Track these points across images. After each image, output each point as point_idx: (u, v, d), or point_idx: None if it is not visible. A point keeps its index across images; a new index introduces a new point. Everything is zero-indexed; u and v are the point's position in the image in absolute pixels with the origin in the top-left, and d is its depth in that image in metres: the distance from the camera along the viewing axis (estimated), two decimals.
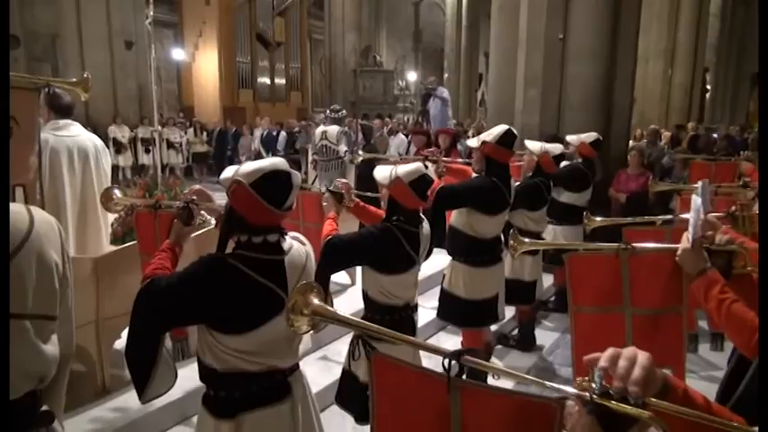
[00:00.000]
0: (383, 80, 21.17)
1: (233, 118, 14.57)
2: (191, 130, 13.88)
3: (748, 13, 24.37)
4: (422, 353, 2.61)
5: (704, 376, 3.86)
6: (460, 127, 12.18)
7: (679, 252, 1.79)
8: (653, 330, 1.96)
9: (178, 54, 15.58)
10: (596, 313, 2.03)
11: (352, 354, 1.18)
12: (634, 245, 1.97)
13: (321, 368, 3.73)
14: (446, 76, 22.28)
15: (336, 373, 3.02)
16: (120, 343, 3.39)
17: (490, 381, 1.52)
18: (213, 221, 2.47)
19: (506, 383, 2.10)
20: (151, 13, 5.10)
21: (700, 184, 2.44)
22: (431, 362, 1.56)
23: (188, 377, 2.44)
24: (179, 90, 17.22)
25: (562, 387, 0.90)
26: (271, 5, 16.85)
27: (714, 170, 5.80)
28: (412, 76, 24.25)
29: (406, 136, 9.86)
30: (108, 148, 4.01)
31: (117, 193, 2.99)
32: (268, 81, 16.96)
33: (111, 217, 3.80)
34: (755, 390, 1.55)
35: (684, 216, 2.48)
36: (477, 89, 22.67)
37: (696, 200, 1.81)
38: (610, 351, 0.88)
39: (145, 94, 12.73)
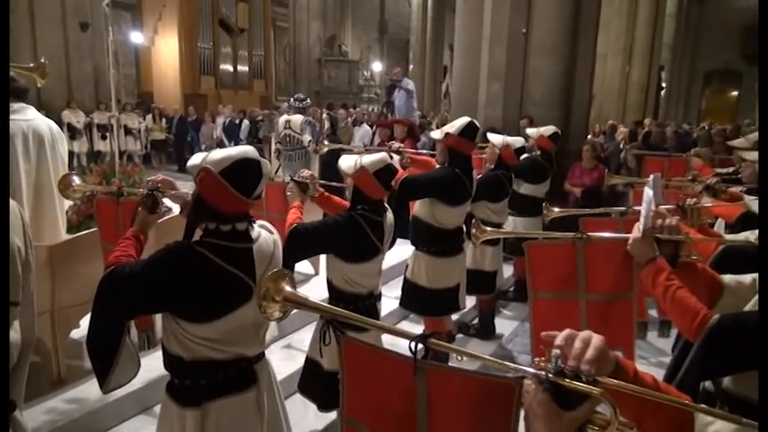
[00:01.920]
0: (348, 70, 21.07)
1: (194, 105, 14.25)
2: (149, 117, 13.52)
3: (702, 13, 25.28)
4: (384, 340, 2.66)
5: (654, 362, 4.05)
6: (425, 119, 12.27)
7: (630, 241, 1.89)
8: (605, 315, 2.06)
9: (137, 37, 15.13)
10: (553, 299, 2.12)
11: (322, 338, 1.20)
12: (589, 234, 2.07)
13: (284, 357, 3.74)
14: (411, 67, 22.36)
15: (300, 361, 3.04)
16: (78, 333, 3.33)
17: (453, 363, 1.58)
18: (177, 209, 2.44)
19: (469, 365, 2.18)
20: None
21: (651, 177, 2.56)
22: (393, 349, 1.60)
23: (149, 367, 2.43)
24: (137, 75, 16.72)
25: (520, 367, 0.96)
26: None
27: (667, 165, 6.04)
28: (377, 66, 24.22)
29: (371, 127, 9.88)
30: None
31: (76, 179, 2.91)
32: (231, 68, 16.64)
33: (68, 204, 3.71)
34: (695, 372, 1.66)
35: (637, 208, 2.61)
36: (443, 81, 22.82)
37: (648, 192, 1.91)
38: (566, 332, 0.94)
39: (101, 78, 12.33)
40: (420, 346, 1.03)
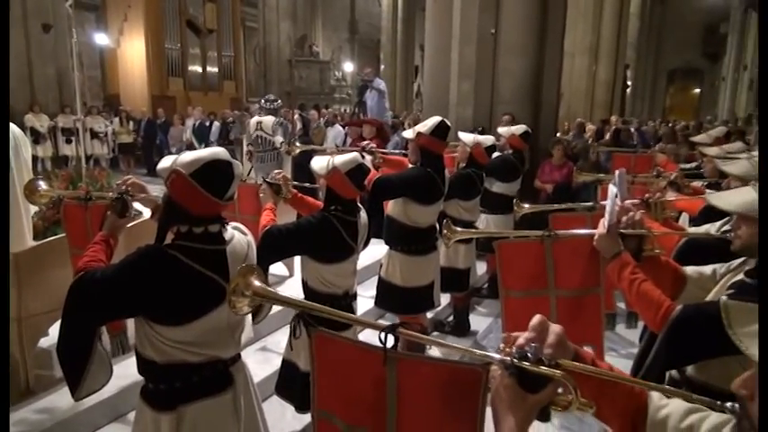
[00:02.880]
0: (319, 70, 21.02)
1: (163, 107, 14.02)
2: (116, 120, 13.25)
3: (664, 13, 25.97)
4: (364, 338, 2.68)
5: (623, 354, 4.16)
6: (397, 119, 12.31)
7: (596, 237, 1.95)
8: (575, 310, 2.12)
9: (101, 39, 14.79)
10: (524, 297, 2.17)
11: (293, 332, 1.21)
12: (557, 231, 2.12)
13: (261, 359, 3.73)
14: (382, 67, 22.41)
15: (276, 363, 3.04)
16: (46, 341, 3.26)
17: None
18: (148, 212, 2.41)
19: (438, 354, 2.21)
20: None
21: (617, 173, 2.63)
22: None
23: (122, 374, 2.40)
24: (103, 77, 16.35)
25: (487, 353, 1.00)
26: None
27: (634, 161, 6.20)
28: (349, 66, 24.21)
29: (344, 127, 9.87)
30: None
31: (42, 184, 2.84)
32: (200, 69, 16.40)
33: (33, 210, 3.62)
34: (660, 362, 1.73)
35: (604, 203, 2.68)
36: (414, 81, 22.94)
37: (612, 188, 1.97)
38: (536, 318, 0.99)
39: (65, 80, 12.03)
40: (390, 336, 1.06)
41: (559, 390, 0.94)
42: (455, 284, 4.53)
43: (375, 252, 4.11)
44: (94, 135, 12.38)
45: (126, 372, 2.27)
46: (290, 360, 2.75)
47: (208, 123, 12.47)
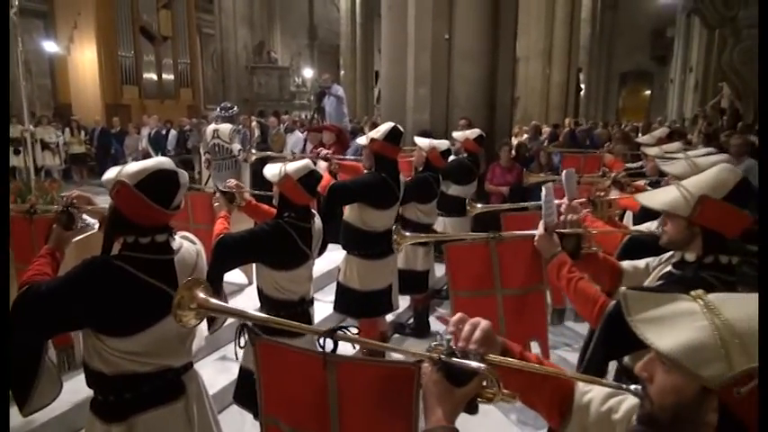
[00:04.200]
0: (279, 77, 20.86)
1: (117, 116, 13.69)
2: (68, 130, 12.88)
3: (615, 18, 26.87)
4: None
5: (576, 348, 4.28)
6: (357, 125, 12.36)
7: (536, 238, 2.04)
8: (521, 308, 2.21)
9: (50, 47, 14.36)
10: (473, 296, 2.25)
11: (237, 341, 1.22)
12: (501, 234, 2.21)
13: (219, 369, 3.70)
14: (342, 73, 22.44)
15: (234, 373, 3.03)
16: None
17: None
18: (96, 225, 2.39)
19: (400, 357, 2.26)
20: (16, 2, 4.73)
21: (564, 173, 2.75)
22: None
23: (74, 389, 2.36)
24: (53, 86, 15.86)
25: (417, 351, 1.05)
26: None
27: (584, 162, 6.41)
28: (308, 72, 24.15)
29: (303, 134, 9.85)
30: None
31: None
32: (155, 77, 16.08)
33: None
34: (599, 355, 1.83)
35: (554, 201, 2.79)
36: (375, 86, 23.02)
37: (548, 191, 2.06)
38: (456, 317, 1.05)
39: (12, 90, 11.62)
40: (329, 340, 1.10)
41: (485, 382, 1.00)
42: (414, 286, 4.59)
43: (335, 258, 4.14)
44: (45, 146, 11.97)
45: (78, 386, 2.24)
46: (247, 368, 2.75)
47: (164, 132, 12.26)
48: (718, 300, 0.88)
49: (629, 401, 1.11)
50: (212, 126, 7.14)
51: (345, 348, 1.32)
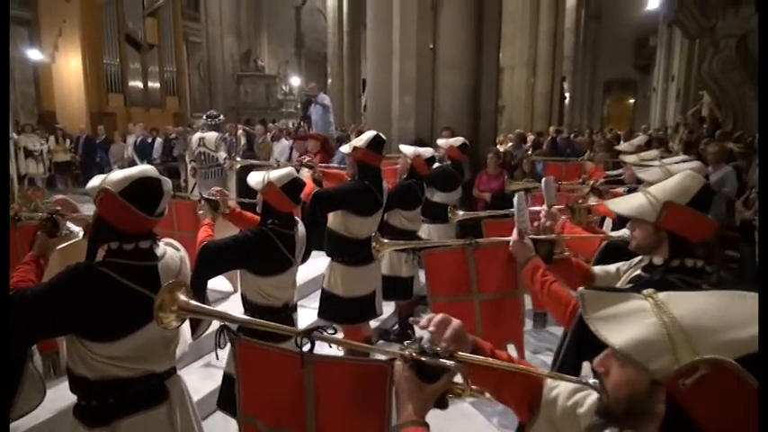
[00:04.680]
0: (265, 85, 20.86)
1: (103, 124, 13.63)
2: (52, 138, 12.79)
3: (598, 29, 27.29)
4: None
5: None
6: (344, 133, 12.43)
7: (510, 244, 2.11)
8: (497, 312, 2.27)
9: (34, 54, 14.28)
10: (451, 302, 2.30)
11: (217, 343, 1.26)
12: (477, 240, 2.27)
13: (203, 376, 3.71)
14: (329, 81, 22.52)
15: (218, 379, 3.05)
16: None
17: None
18: (81, 232, 2.41)
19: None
20: None
21: (543, 180, 2.82)
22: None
23: (58, 397, 2.36)
24: (37, 94, 15.72)
25: (389, 350, 1.10)
26: (141, 5, 15.98)
27: (565, 169, 6.53)
28: (295, 81, 24.19)
29: (289, 142, 9.89)
30: None
31: None
32: (141, 85, 16.05)
33: None
34: (572, 355, 1.89)
35: (533, 209, 2.86)
36: (362, 94, 23.09)
37: (520, 198, 2.13)
38: (427, 316, 1.10)
39: None
40: (306, 339, 1.15)
41: (456, 379, 1.06)
42: (399, 292, 4.64)
43: (320, 265, 4.18)
44: (29, 154, 11.89)
45: (62, 394, 2.25)
46: (230, 374, 2.77)
47: (150, 140, 12.24)
48: (667, 298, 0.94)
49: (593, 396, 1.17)
50: (198, 134, 7.16)
51: (331, 353, 1.37)
